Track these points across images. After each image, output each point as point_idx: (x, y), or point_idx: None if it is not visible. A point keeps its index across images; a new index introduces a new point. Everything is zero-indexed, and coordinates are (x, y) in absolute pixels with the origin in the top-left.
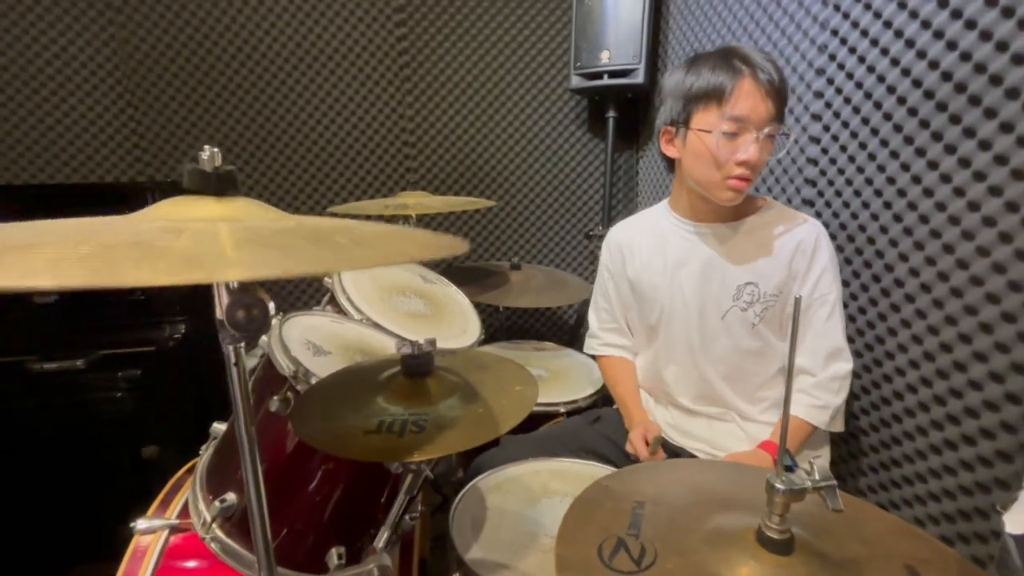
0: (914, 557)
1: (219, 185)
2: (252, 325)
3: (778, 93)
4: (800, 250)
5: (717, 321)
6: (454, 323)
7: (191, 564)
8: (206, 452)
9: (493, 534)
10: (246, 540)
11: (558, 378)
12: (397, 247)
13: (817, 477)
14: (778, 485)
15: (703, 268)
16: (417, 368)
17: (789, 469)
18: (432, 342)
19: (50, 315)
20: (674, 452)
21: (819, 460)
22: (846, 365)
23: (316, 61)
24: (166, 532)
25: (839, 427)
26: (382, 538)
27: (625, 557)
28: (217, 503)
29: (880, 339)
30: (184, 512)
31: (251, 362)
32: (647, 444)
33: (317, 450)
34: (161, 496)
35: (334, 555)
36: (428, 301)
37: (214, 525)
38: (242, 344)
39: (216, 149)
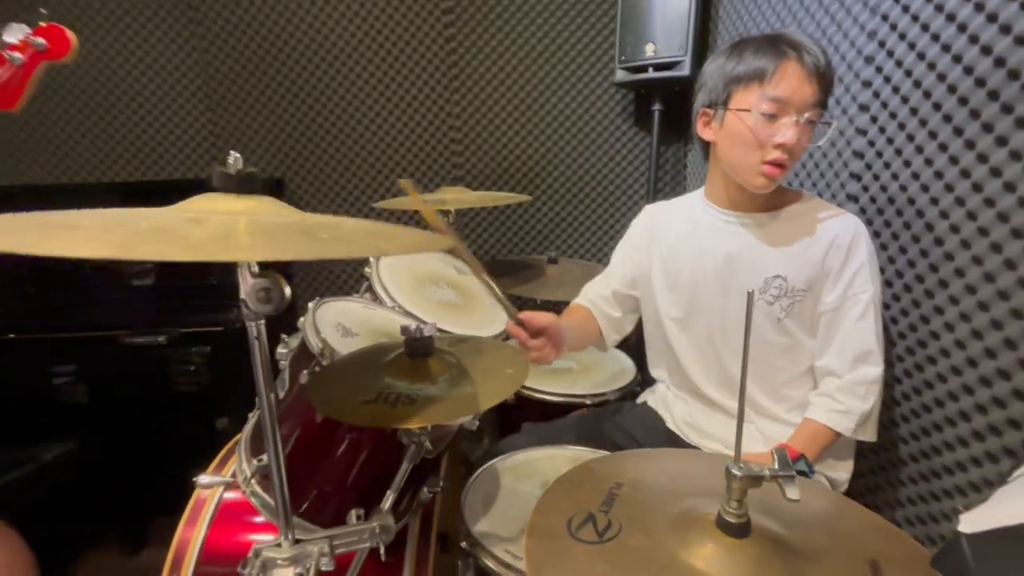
0: (882, 553)
1: (241, 184)
2: (270, 305)
3: (823, 78)
4: (835, 246)
5: (742, 313)
6: (483, 313)
7: (241, 518)
8: (253, 418)
9: (503, 511)
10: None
11: (587, 371)
12: (371, 243)
13: (776, 467)
14: (735, 471)
15: (731, 258)
16: (418, 349)
17: (804, 475)
18: (433, 327)
19: (141, 296)
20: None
21: (836, 468)
22: (874, 369)
23: (370, 63)
24: (221, 488)
25: (869, 436)
26: (388, 501)
27: (591, 529)
28: (255, 462)
29: (922, 343)
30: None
31: (294, 342)
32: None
33: (341, 422)
34: (219, 457)
35: (353, 515)
36: (460, 292)
37: (253, 480)
38: (262, 320)
39: (239, 154)
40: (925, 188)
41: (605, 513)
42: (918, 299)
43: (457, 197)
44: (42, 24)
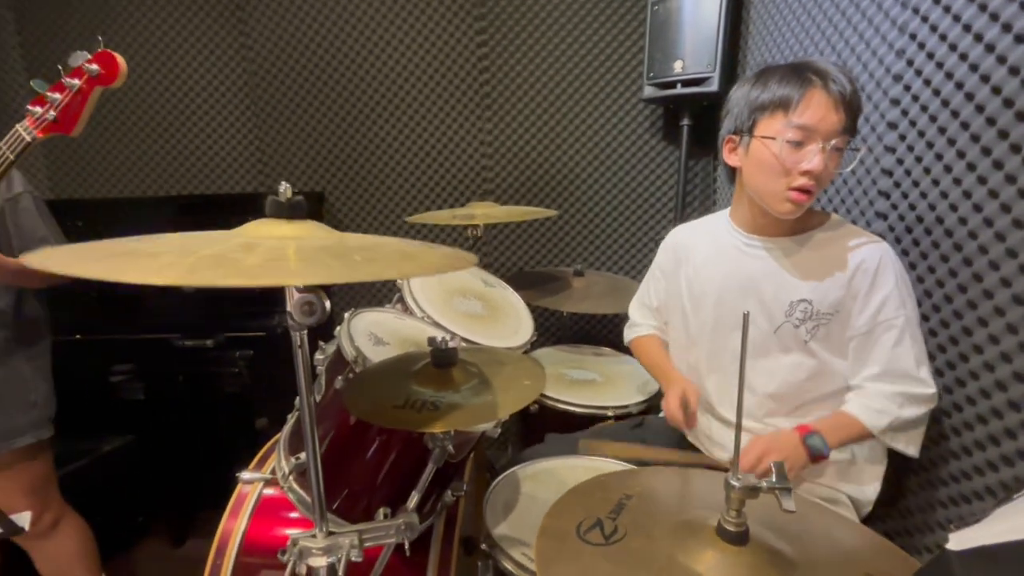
0: (878, 569)
1: (290, 212)
2: (312, 317)
3: (849, 106)
4: (861, 270)
5: (769, 336)
6: (507, 325)
7: (279, 513)
8: (291, 419)
9: (521, 516)
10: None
11: (610, 383)
12: (401, 266)
13: (774, 479)
14: (733, 482)
15: (756, 282)
16: (442, 360)
17: (817, 451)
18: (457, 339)
19: (192, 302)
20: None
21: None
22: (919, 388)
23: (406, 82)
24: (261, 484)
25: (909, 449)
26: (413, 500)
27: (598, 533)
28: (293, 459)
29: (951, 364)
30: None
31: (331, 348)
32: (684, 409)
33: (372, 425)
34: (260, 455)
35: (381, 514)
36: (485, 303)
37: (291, 477)
38: (305, 331)
39: (288, 184)
40: (953, 207)
41: (613, 520)
42: (947, 319)
43: (486, 212)
44: (99, 50)
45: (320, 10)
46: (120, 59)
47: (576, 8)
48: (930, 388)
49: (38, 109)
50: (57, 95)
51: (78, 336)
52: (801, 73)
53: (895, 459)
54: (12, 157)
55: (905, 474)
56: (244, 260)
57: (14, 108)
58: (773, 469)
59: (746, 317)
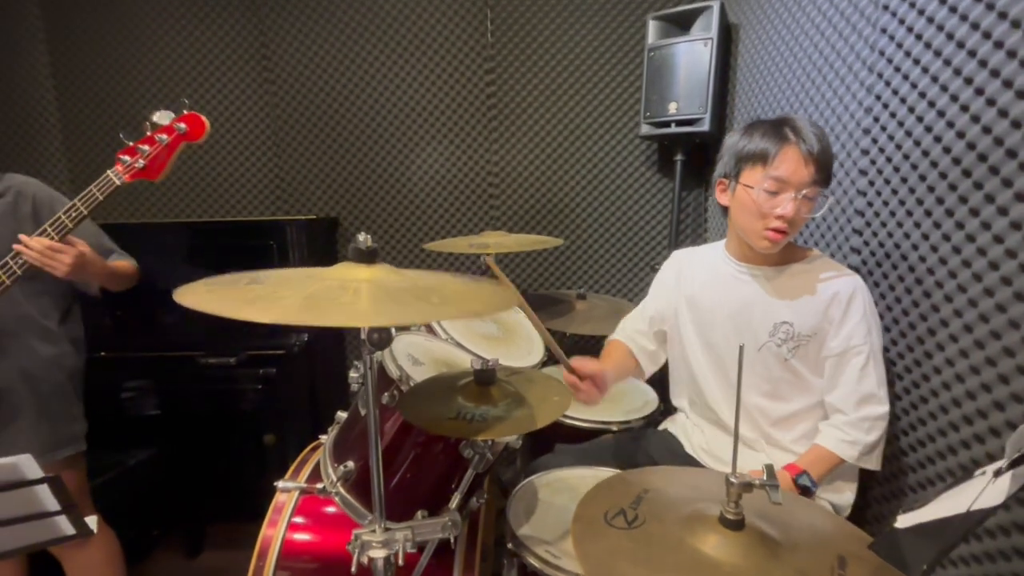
0: (849, 551)
1: (368, 257)
2: (382, 343)
3: (818, 161)
4: (836, 300)
5: (754, 352)
6: (520, 345)
7: (314, 520)
8: (332, 431)
9: (541, 519)
10: (358, 497)
11: (613, 399)
12: (467, 305)
13: (765, 478)
14: (732, 480)
15: (746, 304)
16: (484, 378)
17: (807, 491)
18: (496, 361)
19: (214, 320)
20: None
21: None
22: (879, 408)
23: (419, 116)
24: (297, 492)
25: (873, 465)
26: (455, 501)
27: (621, 519)
28: (341, 467)
29: (915, 383)
30: (310, 479)
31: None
32: (575, 373)
33: (410, 436)
34: (293, 467)
35: (419, 515)
36: (500, 325)
37: (338, 484)
38: (376, 352)
39: (368, 235)
40: (915, 247)
41: (634, 509)
42: (912, 344)
43: (498, 241)
44: (184, 112)
45: (339, 48)
46: (206, 121)
47: (579, 52)
48: (885, 407)
49: (127, 158)
50: (147, 147)
51: (103, 353)
52: (780, 130)
53: (865, 471)
54: (100, 197)
55: (872, 485)
56: (353, 303)
57: (48, 140)
58: (764, 470)
59: (741, 349)
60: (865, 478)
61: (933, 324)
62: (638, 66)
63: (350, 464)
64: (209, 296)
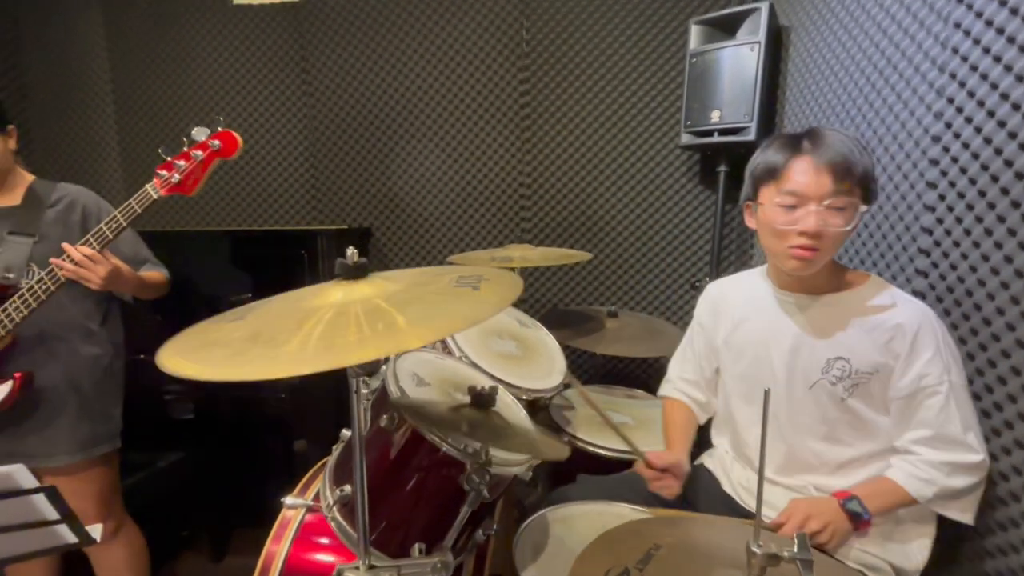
0: None
1: (355, 272)
2: (371, 365)
3: (836, 169)
4: (900, 332)
5: (804, 391)
6: (541, 365)
7: (318, 539)
8: (337, 450)
9: (549, 560)
10: (354, 524)
11: (642, 427)
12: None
13: (795, 549)
14: (755, 548)
15: (793, 338)
16: (481, 402)
17: (857, 516)
18: (495, 387)
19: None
20: (744, 515)
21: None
22: (969, 456)
23: (452, 127)
24: (303, 510)
25: (963, 516)
26: (450, 539)
27: None
28: (338, 491)
29: (996, 431)
30: (318, 496)
31: (375, 383)
32: (656, 470)
33: (411, 463)
34: (302, 482)
35: (416, 549)
36: (520, 344)
37: (334, 508)
38: (364, 376)
39: (355, 249)
40: (995, 271)
41: (640, 570)
42: (990, 384)
43: (523, 255)
44: (220, 129)
45: (375, 61)
46: (239, 138)
47: (616, 59)
48: (978, 455)
49: (165, 173)
50: (183, 163)
51: (141, 356)
52: (796, 141)
53: (946, 523)
54: (139, 210)
55: (956, 541)
56: (349, 335)
57: (107, 161)
58: (795, 540)
59: (767, 394)
60: (942, 532)
61: (1018, 361)
62: (679, 73)
63: (347, 488)
64: (199, 365)
